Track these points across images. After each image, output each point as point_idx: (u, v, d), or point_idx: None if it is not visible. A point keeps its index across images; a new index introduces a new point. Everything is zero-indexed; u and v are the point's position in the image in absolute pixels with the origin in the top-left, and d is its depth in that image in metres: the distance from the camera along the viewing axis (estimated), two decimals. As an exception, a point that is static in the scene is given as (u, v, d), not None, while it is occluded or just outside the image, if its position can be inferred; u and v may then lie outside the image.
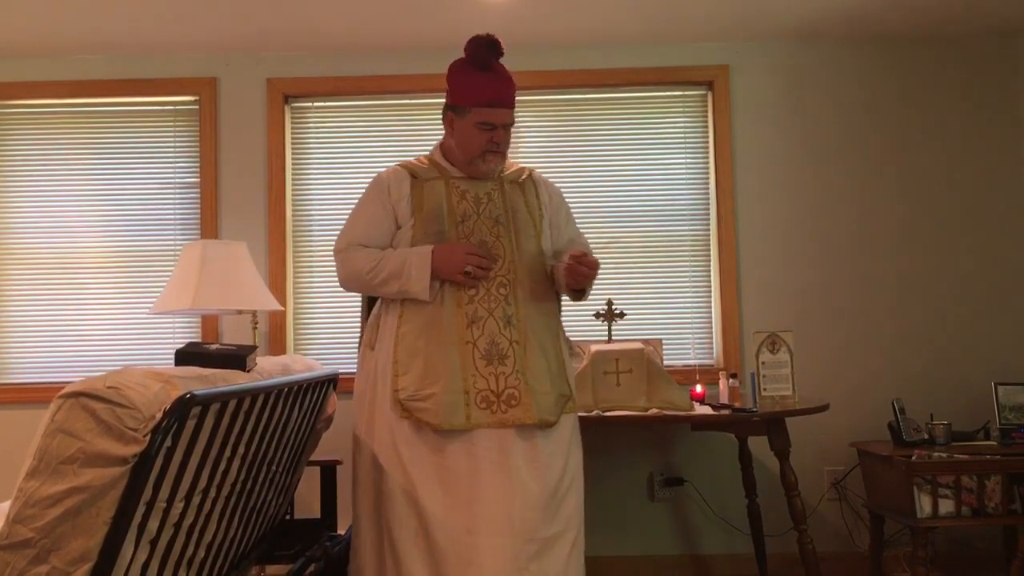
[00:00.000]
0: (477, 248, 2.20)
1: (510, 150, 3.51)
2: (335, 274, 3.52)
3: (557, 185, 2.49)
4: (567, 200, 2.50)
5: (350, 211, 3.53)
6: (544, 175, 2.48)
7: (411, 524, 2.11)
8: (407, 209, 2.28)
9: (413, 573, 2.08)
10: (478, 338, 2.16)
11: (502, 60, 2.28)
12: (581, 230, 2.52)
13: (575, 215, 2.52)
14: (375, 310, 2.38)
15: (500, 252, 2.23)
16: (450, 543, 2.07)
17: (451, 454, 2.12)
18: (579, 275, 2.19)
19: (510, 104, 2.26)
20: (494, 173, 2.32)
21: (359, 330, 3.54)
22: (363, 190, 3.54)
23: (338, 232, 3.53)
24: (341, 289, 3.52)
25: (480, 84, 2.23)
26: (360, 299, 2.68)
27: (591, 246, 2.53)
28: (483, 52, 2.23)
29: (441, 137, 2.41)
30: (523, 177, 2.39)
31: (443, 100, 3.56)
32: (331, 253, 3.53)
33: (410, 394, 2.14)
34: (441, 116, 2.36)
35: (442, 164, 2.34)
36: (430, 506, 2.10)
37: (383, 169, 3.54)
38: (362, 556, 2.22)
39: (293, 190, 3.62)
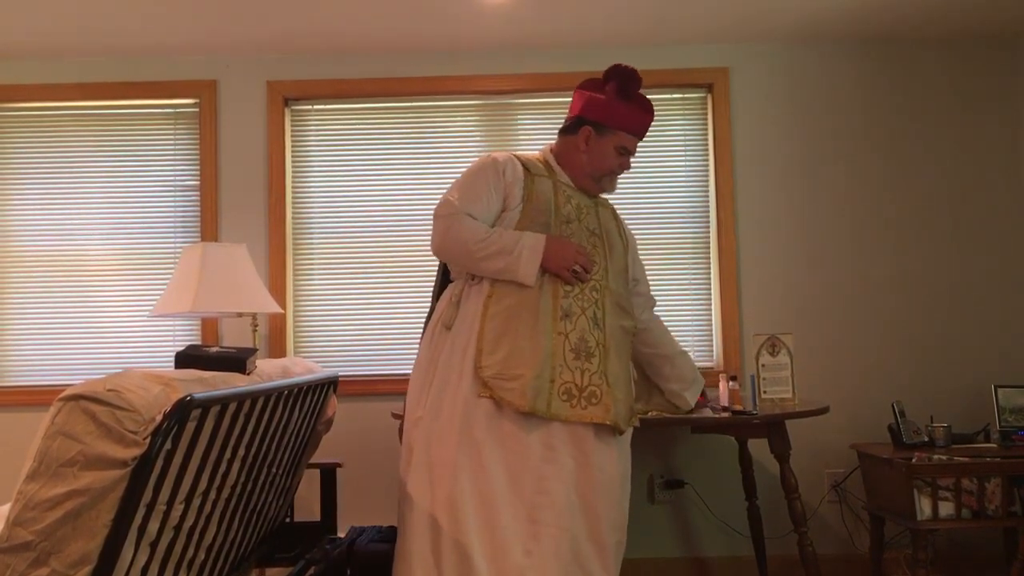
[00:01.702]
0: (585, 249, 2.26)
1: (513, 151, 3.55)
2: (335, 276, 3.59)
3: None
4: None
5: (349, 213, 3.59)
6: None
7: (476, 507, 2.08)
8: (519, 193, 2.29)
9: (471, 550, 2.05)
10: (570, 331, 2.18)
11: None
12: None
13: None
14: (454, 290, 2.32)
15: (597, 259, 2.28)
16: (513, 531, 2.06)
17: (527, 441, 2.11)
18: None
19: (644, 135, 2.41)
20: (610, 192, 2.42)
21: (370, 330, 3.56)
22: (363, 191, 3.61)
23: (338, 234, 3.60)
24: (340, 291, 3.59)
25: (630, 112, 2.34)
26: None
27: None
28: (632, 84, 2.34)
29: (553, 142, 2.46)
30: (610, 208, 2.48)
31: (443, 102, 3.62)
32: (331, 255, 3.59)
33: (495, 372, 2.12)
34: (567, 126, 2.40)
35: (554, 167, 2.39)
36: (498, 490, 2.08)
37: (382, 171, 3.63)
38: (414, 535, 2.14)
39: (293, 192, 3.62)
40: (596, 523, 2.13)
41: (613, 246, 2.35)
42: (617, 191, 3.51)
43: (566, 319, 2.19)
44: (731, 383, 3.09)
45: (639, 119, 2.36)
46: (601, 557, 2.14)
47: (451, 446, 2.12)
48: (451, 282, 2.37)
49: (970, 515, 2.86)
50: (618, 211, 2.54)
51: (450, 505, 2.09)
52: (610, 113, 2.33)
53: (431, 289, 2.53)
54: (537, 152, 2.44)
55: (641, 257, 3.51)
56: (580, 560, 2.10)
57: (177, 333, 3.57)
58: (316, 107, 3.64)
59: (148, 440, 1.37)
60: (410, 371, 2.34)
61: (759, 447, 3.15)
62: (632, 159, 2.42)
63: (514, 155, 2.36)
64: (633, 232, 3.51)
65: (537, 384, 2.11)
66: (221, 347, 2.04)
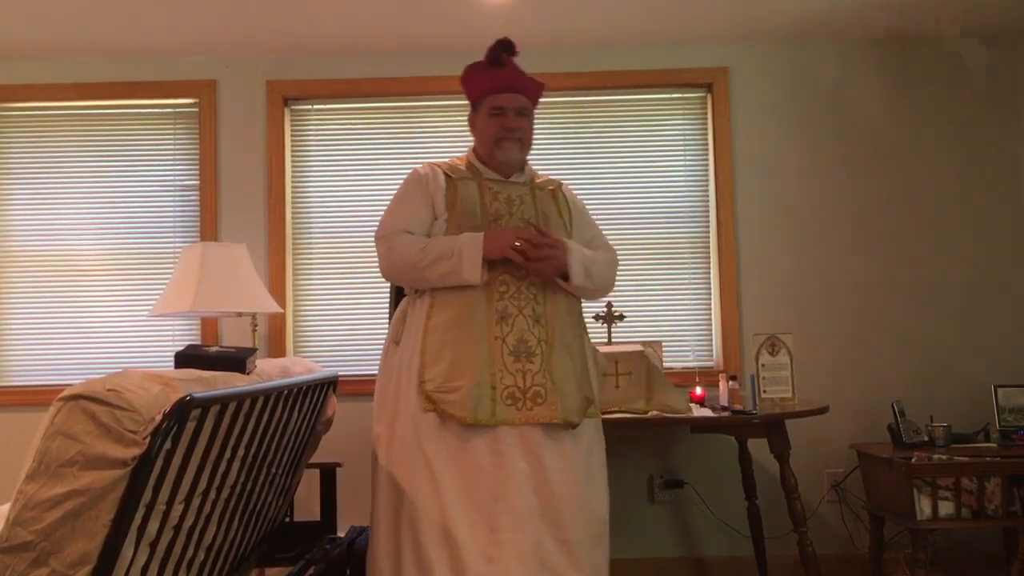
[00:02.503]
0: (525, 227, 2.23)
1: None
2: (334, 276, 3.58)
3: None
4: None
5: (349, 213, 3.59)
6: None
7: (434, 521, 2.09)
8: (442, 201, 2.31)
9: (433, 566, 2.07)
10: (507, 334, 2.17)
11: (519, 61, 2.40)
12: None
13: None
14: (402, 305, 2.37)
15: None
16: (473, 541, 2.06)
17: (475, 450, 2.11)
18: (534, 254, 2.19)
19: (520, 89, 2.36)
20: (514, 161, 2.37)
21: (369, 330, 3.56)
22: (362, 191, 3.61)
23: (337, 234, 3.60)
24: (340, 291, 3.59)
25: (489, 75, 2.35)
26: (388, 295, 2.67)
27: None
28: (495, 50, 2.34)
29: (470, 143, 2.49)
30: (552, 187, 2.45)
31: (442, 102, 3.62)
32: (331, 255, 3.59)
33: (437, 386, 2.14)
34: (468, 122, 2.46)
35: (476, 165, 2.40)
36: (453, 503, 2.09)
37: (382, 171, 3.62)
38: (379, 554, 2.20)
39: (293, 192, 3.62)
40: (558, 522, 2.11)
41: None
42: (617, 191, 3.58)
43: (502, 322, 2.18)
44: (731, 383, 3.09)
45: (496, 76, 2.34)
46: (571, 556, 2.11)
47: (406, 463, 2.15)
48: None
49: (970, 515, 2.86)
50: (570, 186, 2.49)
51: (410, 523, 2.12)
52: (474, 87, 2.39)
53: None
54: (455, 157, 2.46)
55: (640, 258, 3.57)
56: (547, 562, 2.08)
57: (177, 333, 3.57)
58: (315, 107, 3.64)
59: (148, 440, 1.37)
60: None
61: (759, 447, 3.15)
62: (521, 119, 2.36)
63: (436, 164, 2.39)
64: (631, 231, 3.56)
65: (477, 393, 2.11)
66: (221, 347, 2.04)
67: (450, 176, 2.34)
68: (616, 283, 3.45)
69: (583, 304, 2.44)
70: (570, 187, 2.51)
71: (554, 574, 2.09)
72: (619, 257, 3.49)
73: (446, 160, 2.44)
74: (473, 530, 2.07)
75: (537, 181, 2.43)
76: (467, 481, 2.10)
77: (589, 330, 3.11)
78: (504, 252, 2.17)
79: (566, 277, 2.26)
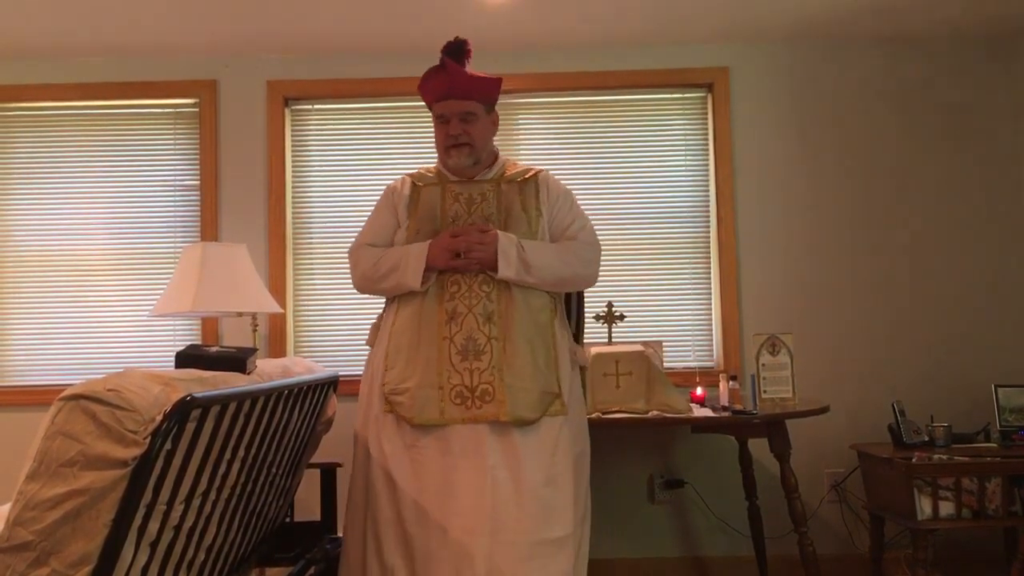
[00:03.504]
0: (461, 228, 2.25)
1: (513, 151, 3.51)
2: (335, 276, 3.59)
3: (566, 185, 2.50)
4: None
5: (349, 213, 3.59)
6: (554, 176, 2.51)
7: (391, 518, 2.14)
8: (405, 211, 2.38)
9: (394, 567, 2.11)
10: (455, 334, 2.19)
11: (473, 62, 2.42)
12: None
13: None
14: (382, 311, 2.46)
15: (486, 244, 2.25)
16: (425, 540, 2.09)
17: (425, 450, 2.15)
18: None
19: (460, 95, 2.33)
20: (464, 166, 2.37)
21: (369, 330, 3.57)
22: (362, 192, 3.61)
23: (338, 234, 3.60)
24: (340, 291, 3.59)
25: (433, 82, 2.35)
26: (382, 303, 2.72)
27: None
28: (442, 54, 2.34)
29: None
30: (526, 177, 2.41)
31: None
32: (331, 255, 3.59)
33: (391, 388, 2.20)
34: None
35: (442, 171, 2.44)
36: (406, 501, 2.12)
37: (382, 171, 3.62)
38: (350, 548, 2.24)
39: (293, 192, 3.62)
40: (509, 524, 2.08)
41: (511, 229, 2.29)
42: (617, 191, 3.58)
43: (451, 322, 2.20)
44: (731, 383, 3.09)
45: (438, 84, 2.33)
46: (524, 559, 2.07)
47: (372, 465, 2.20)
48: None
49: (970, 515, 2.86)
50: (552, 178, 2.45)
51: (373, 523, 2.16)
52: (425, 95, 2.40)
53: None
54: (432, 165, 2.50)
55: (640, 258, 3.56)
56: (499, 564, 2.06)
57: (177, 333, 3.56)
58: (316, 107, 3.64)
59: (148, 440, 1.37)
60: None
61: (759, 447, 3.15)
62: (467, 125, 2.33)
63: (410, 173, 2.45)
64: (631, 231, 3.56)
65: (423, 395, 2.15)
66: (221, 347, 2.04)
67: (416, 184, 2.40)
68: (616, 283, 3.50)
69: (586, 303, 2.45)
70: (552, 175, 2.46)
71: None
72: (619, 256, 3.53)
73: (423, 168, 2.49)
74: (425, 529, 2.09)
75: (508, 173, 2.40)
76: (420, 481, 2.13)
77: (588, 330, 3.13)
78: (448, 262, 2.22)
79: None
